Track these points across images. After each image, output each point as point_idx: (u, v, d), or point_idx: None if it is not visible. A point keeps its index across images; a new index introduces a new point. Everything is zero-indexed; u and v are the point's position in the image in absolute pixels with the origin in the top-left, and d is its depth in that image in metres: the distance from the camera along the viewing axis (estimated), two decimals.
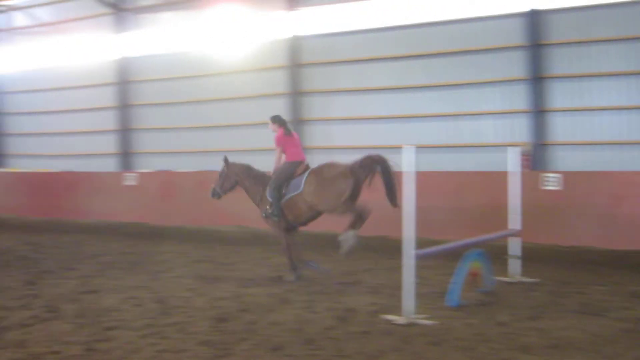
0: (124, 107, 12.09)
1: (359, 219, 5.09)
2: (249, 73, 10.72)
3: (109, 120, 12.40)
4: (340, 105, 9.92)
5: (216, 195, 5.63)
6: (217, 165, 10.10)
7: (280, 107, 10.13)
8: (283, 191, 5.23)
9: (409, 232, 3.85)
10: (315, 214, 5.31)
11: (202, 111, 11.32)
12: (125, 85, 12.03)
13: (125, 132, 12.19)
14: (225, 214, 9.09)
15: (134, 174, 11.11)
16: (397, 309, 4.19)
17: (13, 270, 6.80)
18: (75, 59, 12.86)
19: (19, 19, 13.67)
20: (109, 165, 12.64)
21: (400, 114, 9.20)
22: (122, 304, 4.83)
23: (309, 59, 10.18)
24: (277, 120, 5.51)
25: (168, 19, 11.45)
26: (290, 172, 5.44)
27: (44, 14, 13.20)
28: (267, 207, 5.26)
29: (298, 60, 10.14)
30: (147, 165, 12.09)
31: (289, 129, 5.59)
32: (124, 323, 4.25)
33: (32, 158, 13.77)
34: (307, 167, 5.45)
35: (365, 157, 5.14)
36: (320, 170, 5.33)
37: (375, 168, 5.09)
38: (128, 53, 12.01)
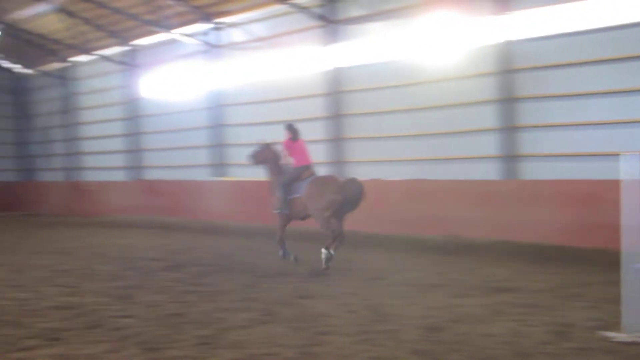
0: (335, 116, 17.20)
1: (337, 240, 9.27)
2: (458, 80, 14.54)
3: (320, 130, 17.94)
4: (554, 111, 13.01)
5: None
6: (428, 173, 15.06)
7: (490, 114, 14.10)
8: (289, 190, 9.67)
9: (629, 245, 4.82)
10: (305, 214, 9.78)
11: (412, 119, 15.62)
12: (336, 95, 17.07)
13: (336, 141, 17.40)
14: (433, 222, 13.56)
15: None
16: (617, 326, 5.28)
17: (233, 274, 9.74)
18: (288, 72, 18.43)
19: (237, 35, 20.06)
20: (322, 173, 18.44)
21: (619, 119, 11.86)
22: (335, 309, 6.80)
23: (520, 63, 13.50)
24: (286, 127, 10.25)
25: (377, 28, 15.92)
26: (295, 176, 9.81)
27: (259, 29, 19.15)
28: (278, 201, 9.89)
29: (509, 65, 13.55)
30: (358, 173, 17.38)
31: (296, 136, 10.09)
32: (337, 329, 5.94)
33: (245, 167, 20.69)
34: (313, 173, 9.72)
35: (350, 180, 9.51)
36: (318, 181, 9.61)
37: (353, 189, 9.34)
38: (339, 64, 16.95)
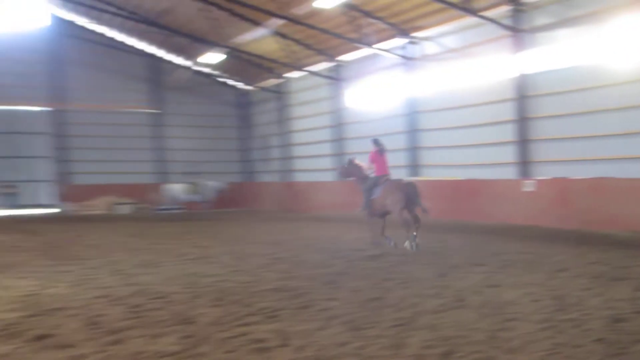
0: (522, 120, 18.26)
1: (410, 229, 11.71)
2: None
3: (508, 133, 18.91)
4: None
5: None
6: (611, 172, 15.61)
7: None
8: (370, 194, 12.28)
9: None
10: (386, 211, 12.24)
11: (595, 121, 16.26)
12: (523, 100, 18.10)
13: (523, 143, 18.37)
14: (616, 218, 14.10)
15: (532, 181, 17.19)
16: None
17: (426, 264, 10.19)
18: (477, 79, 19.73)
19: (429, 47, 22.03)
20: (508, 173, 19.08)
21: None
22: (520, 298, 7.04)
23: None
24: (374, 142, 12.73)
25: (563, 35, 16.78)
26: (374, 182, 12.42)
27: (450, 41, 20.73)
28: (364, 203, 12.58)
29: None
30: (544, 172, 18.17)
31: (382, 150, 12.56)
32: (523, 316, 6.17)
33: (442, 168, 21.58)
34: (388, 179, 12.33)
35: (409, 182, 12.22)
36: (388, 184, 12.12)
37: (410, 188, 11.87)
38: (525, 70, 17.99)
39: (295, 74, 30.39)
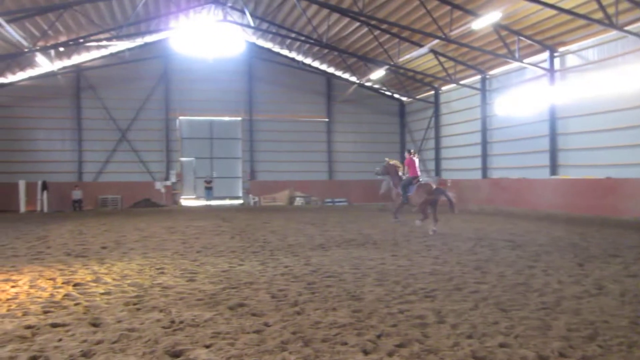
0: None
1: (426, 217, 15.18)
2: None
3: None
4: None
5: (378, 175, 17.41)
6: None
7: None
8: (407, 190, 15.54)
9: None
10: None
11: None
12: None
13: None
14: None
15: None
16: None
17: (566, 253, 10.71)
18: (615, 88, 21.15)
19: (571, 60, 24.05)
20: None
21: None
22: None
23: None
24: (408, 151, 16.38)
25: None
26: (410, 181, 15.64)
27: (591, 54, 22.49)
28: (399, 194, 15.99)
29: None
30: None
31: (414, 156, 15.95)
32: None
33: (581, 168, 23.30)
34: (418, 180, 15.54)
35: (437, 187, 15.21)
36: (420, 185, 15.26)
37: (441, 191, 14.93)
38: None
39: (447, 87, 33.22)
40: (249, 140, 36.66)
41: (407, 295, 7.07)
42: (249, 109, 36.60)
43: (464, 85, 30.84)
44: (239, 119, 36.75)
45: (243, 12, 30.09)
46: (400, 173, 16.44)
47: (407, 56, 28.96)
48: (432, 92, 35.04)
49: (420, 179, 15.92)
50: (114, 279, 8.56)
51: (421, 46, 27.19)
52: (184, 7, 30.27)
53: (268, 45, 36.31)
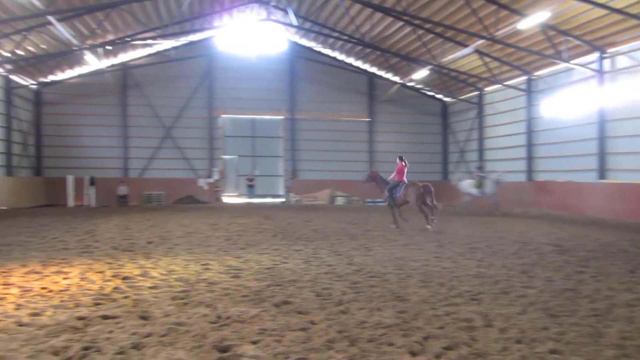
0: None
1: (430, 216, 16.01)
2: None
3: None
4: None
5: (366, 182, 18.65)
6: None
7: None
8: (393, 192, 17.02)
9: None
10: (406, 203, 16.78)
11: None
12: None
13: None
14: None
15: None
16: None
17: (616, 259, 10.46)
18: None
19: (622, 61, 23.71)
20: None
21: None
22: None
23: None
24: (399, 158, 17.52)
25: None
26: (396, 184, 17.13)
27: None
28: (387, 198, 17.35)
29: None
30: None
31: (405, 164, 17.29)
32: None
33: (630, 172, 22.66)
34: (404, 182, 16.90)
35: (425, 184, 16.26)
36: (408, 185, 16.63)
37: (427, 189, 16.08)
38: None
39: (492, 87, 32.81)
40: (291, 139, 36.85)
41: (453, 298, 7.01)
42: (291, 107, 36.82)
43: (509, 86, 30.40)
44: (281, 117, 36.97)
45: (286, 12, 30.28)
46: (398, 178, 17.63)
47: (451, 56, 28.68)
48: (476, 92, 34.68)
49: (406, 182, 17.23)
50: (160, 274, 8.74)
51: (465, 46, 26.95)
52: (228, 6, 30.68)
53: (310, 44, 36.44)
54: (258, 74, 35.89)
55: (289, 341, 5.17)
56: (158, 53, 34.73)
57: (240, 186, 36.56)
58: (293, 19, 29.34)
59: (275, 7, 31.30)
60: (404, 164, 17.43)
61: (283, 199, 35.91)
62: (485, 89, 33.78)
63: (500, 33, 23.71)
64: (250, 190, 35.55)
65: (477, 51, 27.86)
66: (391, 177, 17.77)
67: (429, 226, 16.00)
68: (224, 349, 4.98)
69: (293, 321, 5.82)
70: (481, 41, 25.13)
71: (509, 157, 31.57)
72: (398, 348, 5.02)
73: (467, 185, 27.10)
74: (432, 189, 16.51)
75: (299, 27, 31.75)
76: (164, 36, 30.72)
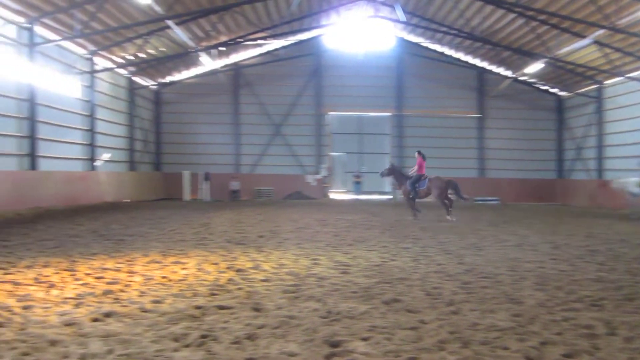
0: None
1: (447, 209, 17.82)
2: None
3: None
4: None
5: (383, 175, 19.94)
6: None
7: None
8: (416, 185, 18.08)
9: None
10: (427, 196, 18.25)
11: None
12: None
13: None
14: None
15: None
16: None
17: None
18: None
19: None
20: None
21: None
22: None
23: None
24: (418, 152, 18.59)
25: None
26: (418, 178, 18.20)
27: None
28: (407, 191, 18.47)
29: None
30: None
31: (424, 158, 18.38)
32: None
33: None
34: (426, 176, 18.10)
35: (449, 180, 17.88)
36: (433, 180, 17.97)
37: (452, 184, 17.77)
38: None
39: (612, 80, 30.86)
40: (398, 135, 36.59)
41: (572, 303, 6.59)
42: (398, 104, 36.57)
43: (633, 79, 28.36)
44: (388, 114, 36.82)
45: (393, 8, 30.07)
46: (411, 172, 18.84)
47: (568, 48, 27.54)
48: (595, 86, 32.72)
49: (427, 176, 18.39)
50: (272, 267, 8.95)
51: (583, 37, 25.75)
52: (336, 4, 30.93)
53: (418, 39, 36.00)
54: (365, 71, 35.97)
55: (399, 339, 5.09)
56: (268, 52, 35.78)
57: (347, 183, 36.84)
58: (401, 15, 29.12)
59: (383, 3, 31.17)
60: (423, 157, 18.55)
61: (390, 196, 35.73)
62: (605, 82, 31.75)
63: (622, 22, 22.24)
64: (357, 186, 35.74)
65: (597, 42, 26.35)
66: (412, 171, 18.76)
67: (449, 217, 17.68)
68: (335, 344, 4.98)
69: (403, 319, 5.72)
70: (601, 31, 23.77)
71: (632, 154, 29.22)
72: (514, 352, 4.80)
73: (632, 184, 23.69)
74: (458, 184, 18.10)
75: (407, 23, 31.47)
76: (273, 36, 31.61)
